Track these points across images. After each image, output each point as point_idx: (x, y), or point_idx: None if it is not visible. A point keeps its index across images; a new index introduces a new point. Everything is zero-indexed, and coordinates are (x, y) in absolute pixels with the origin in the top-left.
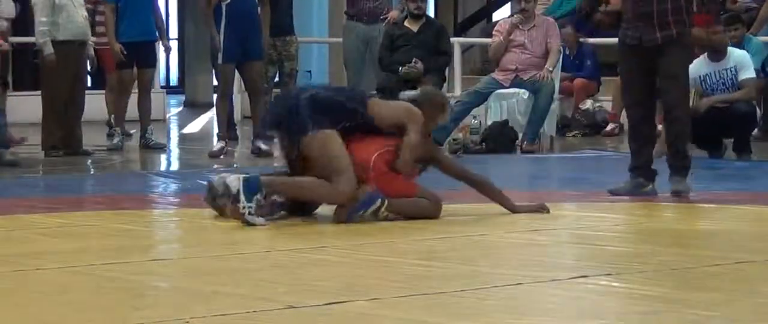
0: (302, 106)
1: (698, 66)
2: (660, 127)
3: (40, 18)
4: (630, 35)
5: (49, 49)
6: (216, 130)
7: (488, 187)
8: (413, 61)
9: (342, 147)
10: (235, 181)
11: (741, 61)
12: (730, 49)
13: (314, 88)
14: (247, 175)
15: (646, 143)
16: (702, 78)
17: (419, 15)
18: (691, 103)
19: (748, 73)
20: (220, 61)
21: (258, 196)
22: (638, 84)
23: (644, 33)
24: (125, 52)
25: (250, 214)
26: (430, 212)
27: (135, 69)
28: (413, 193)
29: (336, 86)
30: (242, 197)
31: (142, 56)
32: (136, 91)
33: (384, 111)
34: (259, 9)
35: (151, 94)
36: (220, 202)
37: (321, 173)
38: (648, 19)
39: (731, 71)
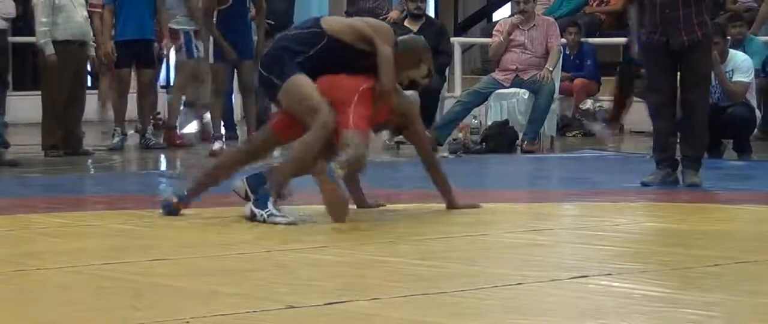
0: (264, 67)
1: None
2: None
3: (41, 18)
4: (656, 39)
5: (49, 49)
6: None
7: (440, 176)
8: None
9: (309, 84)
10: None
11: (738, 65)
12: (730, 52)
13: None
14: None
15: (669, 136)
16: None
17: (419, 15)
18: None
19: (741, 77)
20: (211, 61)
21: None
22: (663, 80)
23: (671, 36)
24: (116, 53)
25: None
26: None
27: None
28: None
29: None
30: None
31: (140, 56)
32: (135, 91)
33: (344, 24)
34: (251, 11)
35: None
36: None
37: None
38: (674, 23)
39: (729, 75)
